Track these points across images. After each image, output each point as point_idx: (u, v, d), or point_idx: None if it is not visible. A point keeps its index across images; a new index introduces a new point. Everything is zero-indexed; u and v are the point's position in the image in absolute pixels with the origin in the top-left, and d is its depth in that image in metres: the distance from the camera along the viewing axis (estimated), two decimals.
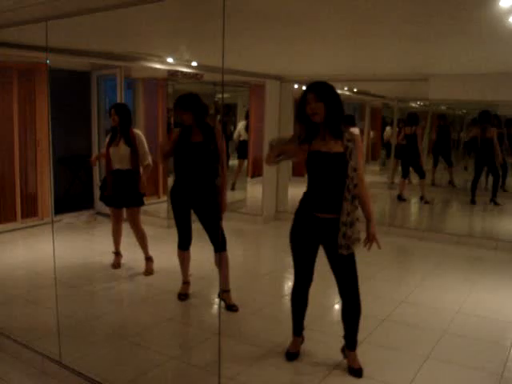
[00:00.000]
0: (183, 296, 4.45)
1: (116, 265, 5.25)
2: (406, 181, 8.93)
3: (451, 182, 9.82)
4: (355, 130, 8.64)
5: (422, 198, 8.91)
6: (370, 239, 3.16)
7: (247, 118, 9.53)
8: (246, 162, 9.42)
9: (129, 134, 4.97)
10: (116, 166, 4.99)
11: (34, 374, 3.26)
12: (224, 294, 4.25)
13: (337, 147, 3.01)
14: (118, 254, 5.30)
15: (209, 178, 4.21)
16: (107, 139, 5.13)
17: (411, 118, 8.84)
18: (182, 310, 4.36)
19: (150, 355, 3.46)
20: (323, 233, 3.11)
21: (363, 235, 3.16)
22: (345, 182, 2.98)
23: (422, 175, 8.77)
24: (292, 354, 3.41)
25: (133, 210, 5.07)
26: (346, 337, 3.29)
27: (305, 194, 3.18)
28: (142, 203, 5.13)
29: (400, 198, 8.92)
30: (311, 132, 3.07)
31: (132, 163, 4.95)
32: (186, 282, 4.52)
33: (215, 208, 4.21)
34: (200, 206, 4.25)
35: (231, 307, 4.21)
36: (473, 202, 8.61)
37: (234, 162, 9.94)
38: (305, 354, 3.45)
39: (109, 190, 5.05)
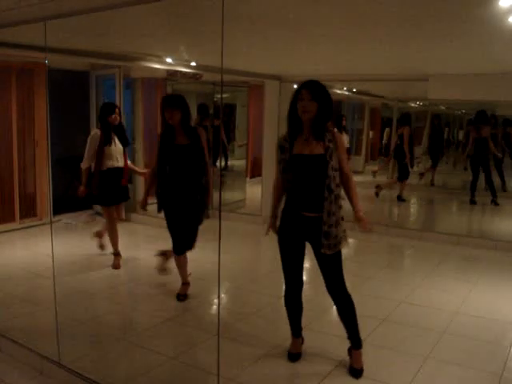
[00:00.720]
0: (182, 296, 4.45)
1: (117, 266, 5.25)
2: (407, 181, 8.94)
3: (432, 182, 9.90)
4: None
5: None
6: (361, 223, 3.10)
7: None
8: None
9: (124, 132, 5.26)
10: (110, 164, 5.10)
11: (32, 374, 3.25)
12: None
13: (318, 149, 3.03)
14: (117, 254, 5.30)
15: (196, 179, 4.25)
16: (95, 139, 5.09)
17: (401, 119, 8.88)
18: (181, 310, 4.35)
19: (149, 356, 3.45)
20: (309, 231, 3.13)
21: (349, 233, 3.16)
22: (325, 182, 3.00)
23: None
24: (294, 355, 3.40)
25: (122, 205, 5.41)
26: (349, 337, 3.29)
27: (289, 193, 3.18)
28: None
29: (400, 199, 8.92)
30: (294, 130, 3.10)
31: (125, 161, 5.25)
32: (185, 283, 4.52)
33: (200, 209, 4.29)
34: (187, 206, 4.29)
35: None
36: (472, 202, 8.61)
37: (232, 162, 9.94)
38: (304, 355, 3.44)
39: (100, 188, 5.14)
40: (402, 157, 8.69)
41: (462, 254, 6.20)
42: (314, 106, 2.97)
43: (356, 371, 3.21)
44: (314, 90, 2.99)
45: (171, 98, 4.32)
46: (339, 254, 3.13)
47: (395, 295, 4.62)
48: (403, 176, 8.75)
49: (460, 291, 4.81)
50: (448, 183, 9.90)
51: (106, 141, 5.06)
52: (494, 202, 8.52)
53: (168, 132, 4.22)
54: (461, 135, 10.64)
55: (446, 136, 10.36)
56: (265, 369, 3.29)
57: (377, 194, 8.94)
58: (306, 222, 3.11)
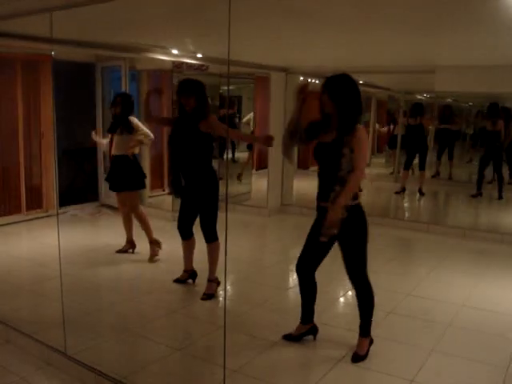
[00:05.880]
0: (178, 281, 4.59)
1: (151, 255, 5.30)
2: (410, 172, 8.93)
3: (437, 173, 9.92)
4: None
5: (420, 190, 8.91)
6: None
7: None
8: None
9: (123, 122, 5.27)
10: (114, 152, 5.27)
11: (39, 365, 3.27)
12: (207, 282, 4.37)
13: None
14: (151, 242, 5.30)
15: (204, 166, 4.27)
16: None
17: (415, 109, 8.82)
18: (186, 302, 4.37)
19: (155, 347, 3.47)
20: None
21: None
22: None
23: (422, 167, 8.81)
24: (288, 335, 3.50)
25: (126, 195, 5.33)
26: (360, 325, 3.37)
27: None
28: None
29: (403, 190, 8.89)
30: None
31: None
32: (186, 270, 4.60)
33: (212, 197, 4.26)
34: (196, 193, 4.29)
35: (203, 294, 4.31)
36: (478, 195, 8.55)
37: (238, 154, 9.91)
38: (310, 347, 3.45)
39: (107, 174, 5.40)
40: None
41: (468, 247, 6.17)
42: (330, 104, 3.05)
43: (357, 356, 3.27)
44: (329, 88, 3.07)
45: (187, 83, 4.22)
46: (355, 241, 3.17)
47: (401, 288, 4.61)
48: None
49: (466, 284, 4.79)
50: (454, 175, 9.83)
51: (109, 129, 5.32)
52: (500, 197, 8.49)
53: (182, 118, 4.21)
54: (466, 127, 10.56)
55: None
56: (270, 360, 3.30)
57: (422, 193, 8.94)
58: (322, 213, 3.14)
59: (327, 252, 3.31)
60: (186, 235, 4.47)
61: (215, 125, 4.19)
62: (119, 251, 5.40)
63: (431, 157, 9.41)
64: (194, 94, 4.12)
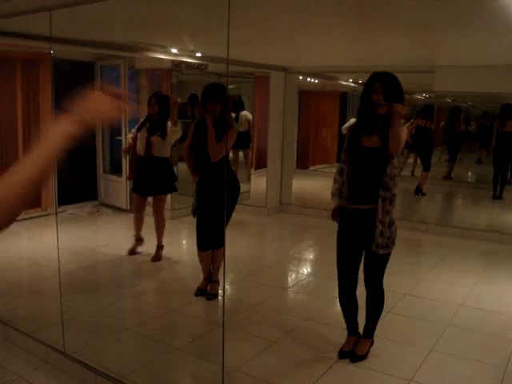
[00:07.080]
0: (199, 292, 4.35)
1: (154, 258, 5.14)
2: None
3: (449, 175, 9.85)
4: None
5: (420, 190, 8.89)
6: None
7: (235, 109, 9.14)
8: (240, 153, 9.27)
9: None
10: (140, 152, 5.02)
11: (37, 363, 3.27)
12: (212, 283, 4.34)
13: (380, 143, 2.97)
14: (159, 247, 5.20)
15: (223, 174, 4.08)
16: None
17: (426, 111, 8.80)
18: (186, 301, 4.36)
19: (154, 346, 3.47)
20: (362, 224, 3.07)
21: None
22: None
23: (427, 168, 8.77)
24: (345, 353, 3.31)
25: (156, 199, 5.14)
26: (365, 326, 3.32)
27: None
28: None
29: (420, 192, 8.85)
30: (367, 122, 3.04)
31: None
32: (205, 278, 4.42)
33: (228, 207, 4.08)
34: (216, 201, 4.07)
35: (208, 295, 4.29)
36: (495, 197, 8.49)
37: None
38: (307, 346, 3.45)
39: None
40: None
41: (467, 247, 6.18)
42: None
43: (356, 356, 3.24)
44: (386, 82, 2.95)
45: (215, 88, 4.10)
46: (389, 254, 3.11)
47: (400, 287, 4.61)
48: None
49: (465, 284, 4.79)
50: (456, 176, 9.82)
51: (149, 130, 5.02)
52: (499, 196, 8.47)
53: (204, 123, 4.06)
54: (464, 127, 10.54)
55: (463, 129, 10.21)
56: (269, 359, 3.30)
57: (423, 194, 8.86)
58: (359, 215, 3.07)
59: (360, 261, 3.21)
60: (207, 247, 4.29)
61: (231, 137, 4.16)
62: (132, 252, 5.22)
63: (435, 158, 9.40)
64: (222, 101, 4.04)
